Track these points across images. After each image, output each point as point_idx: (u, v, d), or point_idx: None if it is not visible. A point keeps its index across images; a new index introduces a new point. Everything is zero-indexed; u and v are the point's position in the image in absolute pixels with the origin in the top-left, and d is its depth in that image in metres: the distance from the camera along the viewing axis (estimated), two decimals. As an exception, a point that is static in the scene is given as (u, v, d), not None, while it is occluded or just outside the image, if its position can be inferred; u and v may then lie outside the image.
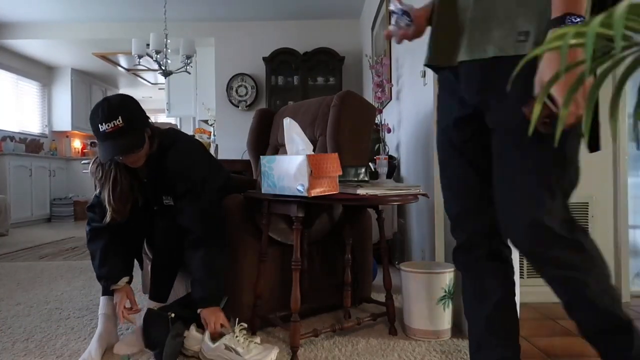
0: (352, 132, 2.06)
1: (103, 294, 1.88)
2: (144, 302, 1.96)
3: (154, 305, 1.87)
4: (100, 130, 1.67)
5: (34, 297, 2.62)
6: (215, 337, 1.67)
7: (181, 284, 2.14)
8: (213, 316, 1.71)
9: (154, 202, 1.91)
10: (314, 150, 1.70)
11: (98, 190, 1.83)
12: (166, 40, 5.09)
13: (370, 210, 2.30)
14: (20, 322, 2.16)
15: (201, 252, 1.75)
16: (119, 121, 1.67)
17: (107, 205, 1.78)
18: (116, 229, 1.84)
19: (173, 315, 1.70)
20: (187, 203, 1.80)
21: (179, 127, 7.24)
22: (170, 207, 1.87)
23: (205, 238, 1.76)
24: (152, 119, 1.95)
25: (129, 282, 1.87)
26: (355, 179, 1.81)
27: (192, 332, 1.68)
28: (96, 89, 8.87)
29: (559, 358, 1.69)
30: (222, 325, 1.72)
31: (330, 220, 2.10)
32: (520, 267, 2.18)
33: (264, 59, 6.09)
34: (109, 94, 9.38)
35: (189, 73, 5.61)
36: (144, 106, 1.88)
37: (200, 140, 2.13)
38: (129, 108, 1.75)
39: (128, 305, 1.83)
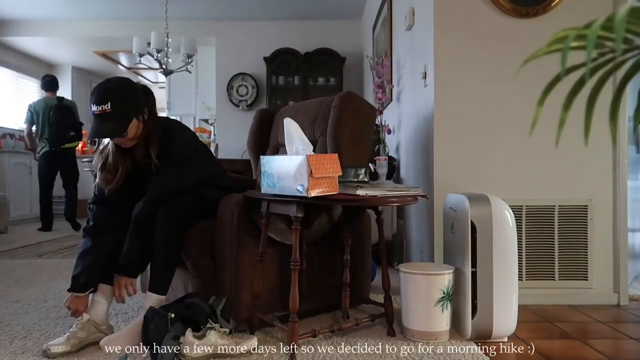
0: (352, 132, 2.06)
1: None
2: (135, 310, 1.95)
3: (156, 302, 1.86)
4: (92, 109, 1.81)
5: (33, 294, 2.61)
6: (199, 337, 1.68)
7: (180, 284, 2.14)
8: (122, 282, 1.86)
9: (146, 180, 1.98)
10: (314, 151, 1.70)
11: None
12: (167, 39, 5.09)
13: (370, 211, 2.30)
14: (19, 319, 2.16)
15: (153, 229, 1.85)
16: (108, 106, 1.79)
17: (97, 173, 1.94)
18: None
19: (173, 315, 1.70)
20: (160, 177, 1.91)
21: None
22: None
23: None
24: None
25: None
26: (355, 180, 1.81)
27: (188, 337, 1.66)
28: (97, 87, 8.86)
29: (557, 360, 1.70)
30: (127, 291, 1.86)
31: (329, 220, 2.10)
32: (519, 269, 2.18)
33: (265, 58, 6.09)
34: (110, 92, 9.39)
35: (190, 72, 5.61)
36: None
37: (200, 139, 2.16)
38: (123, 94, 1.84)
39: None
